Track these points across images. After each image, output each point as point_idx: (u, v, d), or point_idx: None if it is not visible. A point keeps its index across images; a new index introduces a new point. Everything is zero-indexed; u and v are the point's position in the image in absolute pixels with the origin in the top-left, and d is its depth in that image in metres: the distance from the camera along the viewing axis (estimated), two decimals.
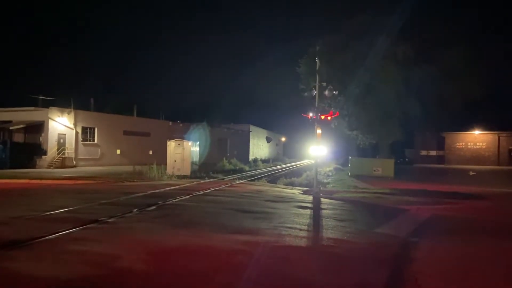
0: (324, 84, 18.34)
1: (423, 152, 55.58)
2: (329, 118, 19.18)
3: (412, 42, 28.59)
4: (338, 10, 34.82)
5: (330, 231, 9.40)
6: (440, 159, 53.58)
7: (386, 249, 7.72)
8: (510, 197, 19.08)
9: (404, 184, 23.13)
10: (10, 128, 33.46)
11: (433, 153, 55.19)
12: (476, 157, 51.03)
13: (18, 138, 34.56)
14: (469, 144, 52.59)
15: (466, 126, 51.39)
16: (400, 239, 8.71)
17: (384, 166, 29.51)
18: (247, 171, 36.61)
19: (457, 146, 53.33)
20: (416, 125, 39.31)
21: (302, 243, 8.06)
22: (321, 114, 18.09)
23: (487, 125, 50.46)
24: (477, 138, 52.20)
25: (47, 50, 65.63)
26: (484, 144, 51.74)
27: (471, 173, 34.46)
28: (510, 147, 50.41)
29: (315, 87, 18.25)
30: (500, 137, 50.71)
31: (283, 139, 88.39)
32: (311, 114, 18.11)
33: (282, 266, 6.24)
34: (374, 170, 29.46)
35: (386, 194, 18.14)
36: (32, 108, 33.99)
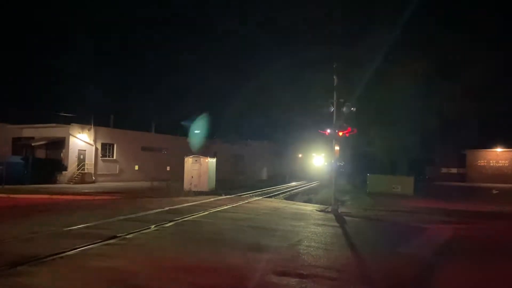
0: (342, 100, 18.25)
1: (444, 170, 54.49)
2: (346, 134, 19.02)
3: (433, 58, 28.39)
4: (356, 26, 34.95)
5: (347, 250, 9.22)
6: (461, 177, 52.39)
7: (407, 270, 7.51)
8: None
9: (424, 202, 22.63)
10: (32, 144, 34.26)
11: (454, 170, 54.05)
12: (499, 175, 49.71)
13: (40, 154, 35.33)
14: (491, 161, 51.36)
15: (488, 143, 50.34)
16: (421, 259, 8.47)
17: (404, 184, 29.00)
18: (264, 188, 36.45)
19: (479, 164, 52.12)
20: (436, 142, 38.72)
21: (320, 263, 7.90)
22: (339, 131, 17.96)
23: (510, 142, 49.30)
24: (499, 156, 50.97)
25: (68, 67, 67.52)
26: (507, 162, 50.45)
27: (494, 191, 33.53)
28: None
29: (332, 103, 18.17)
30: None
31: (300, 155, 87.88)
32: (328, 131, 18.00)
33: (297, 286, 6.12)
34: (393, 188, 28.96)
35: (405, 212, 17.77)
36: (54, 124, 34.76)
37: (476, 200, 24.97)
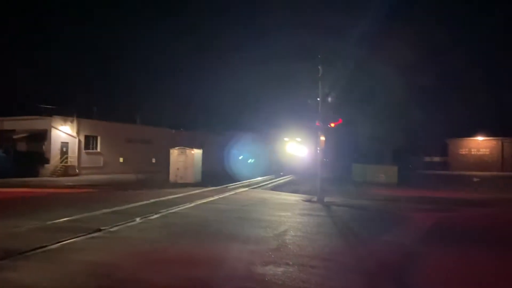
0: (327, 91, 18.28)
1: (427, 159, 55.34)
2: (332, 125, 19.09)
3: (414, 47, 28.61)
4: (338, 15, 34.91)
5: (333, 239, 9.32)
6: (444, 166, 53.32)
7: (392, 257, 7.63)
8: None
9: (407, 191, 23.00)
10: (14, 137, 33.56)
11: (436, 159, 54.95)
12: (480, 163, 50.74)
13: (21, 147, 34.64)
14: (472, 150, 52.35)
15: (470, 132, 51.23)
16: (406, 247, 8.61)
17: (388, 173, 29.40)
18: (251, 179, 36.46)
19: (461, 152, 53.09)
20: (419, 131, 39.21)
21: (306, 252, 7.97)
22: (331, 122, 18.01)
23: (491, 131, 50.28)
24: (480, 144, 51.97)
25: (49, 58, 66.05)
26: (487, 150, 51.49)
27: (475, 179, 34.25)
28: None
29: (318, 94, 18.20)
30: (504, 143, 50.46)
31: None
32: (316, 122, 18.05)
33: (283, 276, 6.17)
34: (378, 177, 29.34)
35: (389, 201, 18.04)
36: (35, 116, 34.06)
37: (458, 188, 25.48)
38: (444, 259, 7.61)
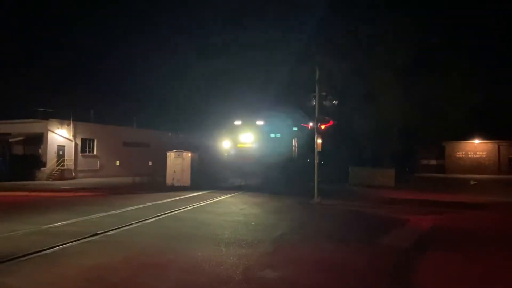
0: (324, 94, 18.32)
1: (424, 161, 55.45)
2: (322, 127, 19.07)
3: (411, 50, 28.74)
4: (336, 19, 35.01)
5: (331, 242, 9.30)
6: (441, 168, 53.43)
7: (388, 261, 7.63)
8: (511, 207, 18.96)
9: (405, 194, 23.00)
10: (9, 140, 33.42)
11: (433, 162, 55.06)
12: (477, 166, 50.89)
13: (17, 150, 34.51)
14: (469, 153, 52.52)
15: (466, 135, 51.36)
16: (403, 250, 8.61)
17: (385, 176, 29.39)
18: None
19: (457, 155, 53.23)
20: (416, 134, 39.28)
21: (304, 255, 7.95)
22: (321, 124, 18.05)
23: (487, 134, 50.43)
24: (477, 147, 52.15)
25: (45, 60, 65.82)
26: (484, 153, 51.66)
27: (472, 182, 34.34)
28: (510, 156, 50.31)
29: (314, 96, 18.24)
30: (500, 146, 50.65)
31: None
32: (311, 124, 18.08)
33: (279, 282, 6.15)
34: (375, 180, 29.34)
35: (386, 204, 18.03)
36: (31, 120, 33.93)
37: (454, 191, 25.53)
38: (437, 260, 7.61)
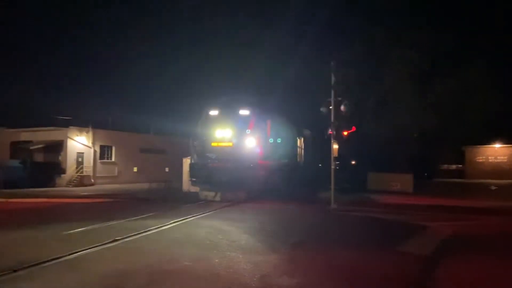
0: (340, 99, 18.19)
1: (443, 166, 54.55)
2: (345, 133, 18.99)
3: (428, 55, 28.36)
4: (351, 24, 34.78)
5: (350, 249, 9.18)
6: (460, 173, 52.44)
7: (409, 269, 7.49)
8: None
9: (423, 199, 22.62)
10: (30, 147, 34.19)
11: (453, 167, 54.13)
12: (498, 171, 49.72)
13: (38, 157, 35.26)
14: (489, 157, 51.41)
15: (486, 139, 50.32)
16: (424, 257, 8.44)
17: (403, 181, 28.97)
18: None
19: (477, 160, 52.16)
20: (435, 139, 38.60)
21: (323, 263, 7.87)
22: (338, 129, 17.93)
23: (508, 138, 49.33)
24: (498, 152, 51.03)
25: (66, 70, 67.14)
26: (505, 157, 50.50)
27: (493, 187, 33.58)
28: None
29: (330, 102, 18.12)
30: None
31: None
32: (329, 130, 17.97)
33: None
34: (393, 185, 28.95)
35: (406, 209, 17.74)
36: (52, 128, 34.66)
37: (475, 196, 24.99)
38: (460, 268, 7.44)
